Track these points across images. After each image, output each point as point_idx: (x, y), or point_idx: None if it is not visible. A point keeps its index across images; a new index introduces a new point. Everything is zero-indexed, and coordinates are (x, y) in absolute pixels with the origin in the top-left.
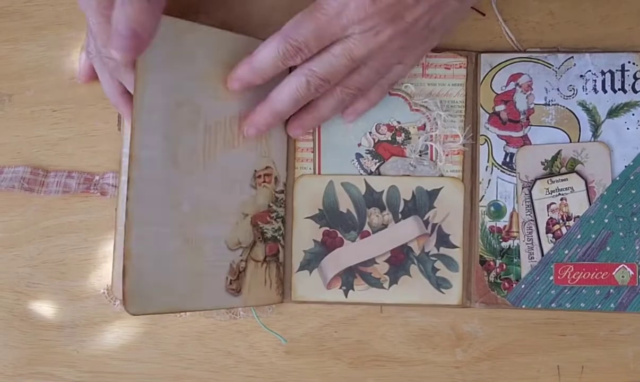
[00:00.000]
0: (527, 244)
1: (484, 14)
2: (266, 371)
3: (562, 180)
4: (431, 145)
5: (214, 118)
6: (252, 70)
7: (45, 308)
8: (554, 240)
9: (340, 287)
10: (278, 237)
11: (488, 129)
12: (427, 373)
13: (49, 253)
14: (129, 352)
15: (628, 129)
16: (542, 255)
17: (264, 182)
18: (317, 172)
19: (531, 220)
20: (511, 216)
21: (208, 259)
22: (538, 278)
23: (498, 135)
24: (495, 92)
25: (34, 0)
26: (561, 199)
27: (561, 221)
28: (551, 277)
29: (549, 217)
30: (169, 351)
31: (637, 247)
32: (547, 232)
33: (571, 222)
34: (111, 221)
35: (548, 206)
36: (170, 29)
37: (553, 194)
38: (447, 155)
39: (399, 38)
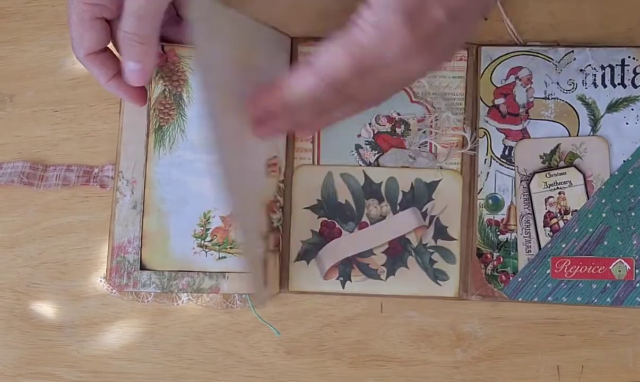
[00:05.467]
0: (524, 237)
1: (485, 19)
2: (266, 371)
3: (561, 174)
4: (430, 143)
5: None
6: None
7: (45, 308)
8: (551, 233)
9: (338, 278)
10: (280, 227)
11: (487, 122)
12: (426, 373)
13: (50, 253)
14: (130, 352)
15: (627, 123)
16: (539, 248)
17: (272, 171)
18: (316, 162)
19: (529, 213)
20: (509, 209)
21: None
22: (535, 271)
23: (497, 129)
24: (495, 85)
25: (35, 1)
26: (559, 193)
27: (559, 215)
28: (548, 271)
29: (546, 211)
30: (169, 351)
31: (634, 242)
32: (544, 226)
33: (569, 216)
34: None
35: (546, 200)
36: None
37: (551, 187)
38: (444, 147)
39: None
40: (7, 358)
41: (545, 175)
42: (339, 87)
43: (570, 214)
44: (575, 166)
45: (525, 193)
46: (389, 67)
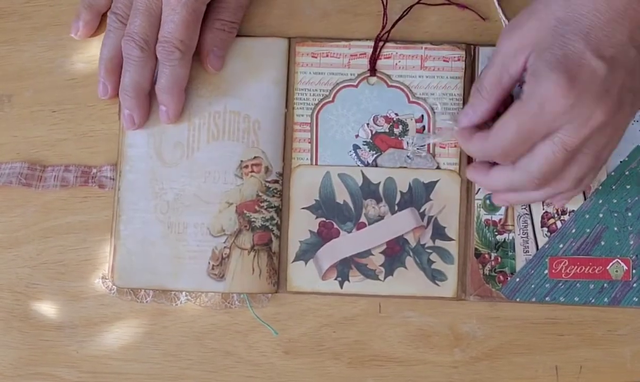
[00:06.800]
0: (522, 237)
1: (484, 19)
2: (265, 371)
3: None
4: (428, 144)
5: (198, 115)
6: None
7: (44, 308)
8: (548, 234)
9: (336, 278)
10: (270, 226)
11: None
12: (425, 373)
13: (49, 254)
14: (129, 352)
15: None
16: (537, 249)
17: (252, 172)
18: (314, 162)
19: (526, 214)
20: (506, 210)
21: (190, 244)
22: (533, 272)
23: None
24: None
25: (32, 1)
26: None
27: (556, 215)
28: (546, 271)
29: (544, 211)
30: (169, 351)
31: (631, 242)
32: (542, 226)
33: (566, 217)
34: (110, 221)
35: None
36: None
37: None
38: (443, 147)
39: (612, 114)
40: (6, 358)
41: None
42: (510, 155)
43: (567, 214)
44: None
45: None
46: (567, 131)
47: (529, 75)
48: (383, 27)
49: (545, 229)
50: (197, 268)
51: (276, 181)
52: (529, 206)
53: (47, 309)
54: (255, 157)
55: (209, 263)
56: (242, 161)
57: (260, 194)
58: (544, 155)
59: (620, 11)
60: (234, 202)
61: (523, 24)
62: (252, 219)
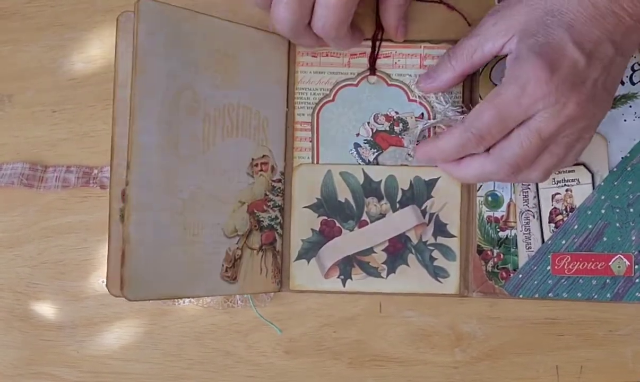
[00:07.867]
0: (524, 234)
1: (470, 24)
2: (265, 370)
3: (569, 171)
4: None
5: (213, 106)
6: (436, 152)
7: (45, 308)
8: (555, 230)
9: (338, 277)
10: (275, 225)
11: None
12: (425, 373)
13: (49, 253)
14: (129, 352)
15: (625, 120)
16: (541, 244)
17: (261, 170)
18: (315, 161)
19: (528, 210)
20: (508, 206)
21: (206, 246)
22: (535, 268)
23: None
24: (494, 83)
25: (34, 1)
26: (566, 190)
27: (564, 212)
28: (548, 267)
29: (552, 207)
30: (169, 351)
31: (633, 238)
32: (549, 222)
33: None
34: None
35: (553, 196)
36: (170, 16)
37: (559, 184)
38: None
39: (584, 106)
40: (6, 358)
41: (555, 172)
42: (486, 138)
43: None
44: (584, 165)
45: (525, 190)
46: (543, 118)
47: (511, 59)
48: (377, 26)
49: (553, 225)
50: (211, 271)
51: (280, 180)
52: (539, 200)
53: (48, 308)
54: (264, 156)
55: (223, 265)
56: (253, 159)
57: (268, 193)
58: (519, 140)
59: (601, 9)
60: (245, 201)
61: (512, 7)
62: (261, 219)
